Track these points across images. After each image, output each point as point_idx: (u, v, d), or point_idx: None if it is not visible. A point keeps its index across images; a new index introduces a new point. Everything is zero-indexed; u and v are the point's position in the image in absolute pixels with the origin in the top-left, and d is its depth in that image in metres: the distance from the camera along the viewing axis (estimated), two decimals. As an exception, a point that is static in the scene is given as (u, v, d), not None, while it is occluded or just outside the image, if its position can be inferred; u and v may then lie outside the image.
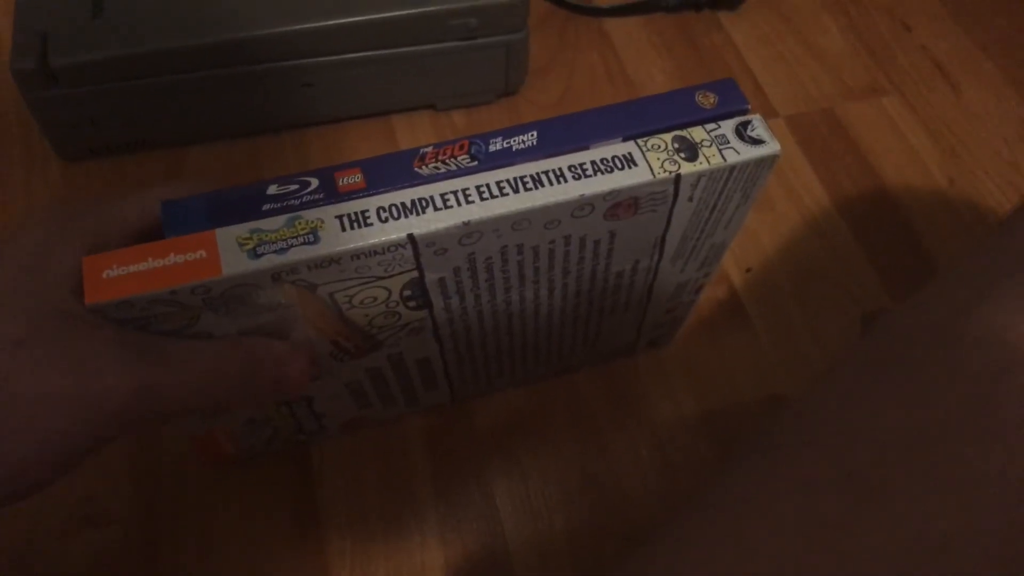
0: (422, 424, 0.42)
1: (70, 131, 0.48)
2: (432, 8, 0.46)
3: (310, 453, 0.41)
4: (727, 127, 0.31)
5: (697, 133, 0.31)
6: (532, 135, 0.30)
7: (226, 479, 0.40)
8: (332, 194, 0.29)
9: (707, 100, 0.32)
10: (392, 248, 0.28)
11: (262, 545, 0.38)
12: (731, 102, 0.32)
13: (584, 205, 0.30)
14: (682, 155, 0.30)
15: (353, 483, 0.40)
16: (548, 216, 0.29)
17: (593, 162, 0.30)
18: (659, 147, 0.30)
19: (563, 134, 0.31)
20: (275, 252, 0.27)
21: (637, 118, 0.31)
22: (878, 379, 0.25)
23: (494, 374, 0.41)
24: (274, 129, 0.52)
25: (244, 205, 0.28)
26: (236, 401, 0.30)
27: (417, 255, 0.29)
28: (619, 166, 0.30)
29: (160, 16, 0.45)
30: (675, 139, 0.31)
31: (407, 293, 0.31)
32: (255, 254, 0.27)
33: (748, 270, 0.48)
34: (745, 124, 0.31)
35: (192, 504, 0.40)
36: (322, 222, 0.27)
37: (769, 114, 0.54)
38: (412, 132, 0.52)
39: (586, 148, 0.30)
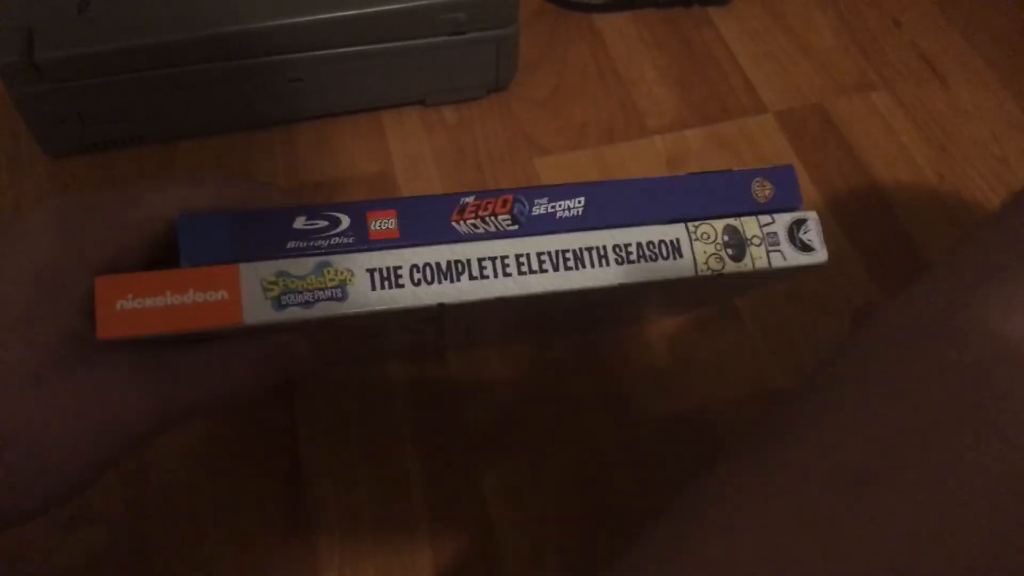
0: (413, 420, 0.42)
1: (56, 127, 0.48)
2: (421, 3, 0.46)
3: (300, 450, 0.41)
4: (781, 224, 0.30)
5: (750, 226, 0.30)
6: (580, 202, 0.29)
7: (216, 477, 0.40)
8: (363, 239, 0.27)
9: (763, 191, 0.31)
10: (420, 309, 0.27)
11: (252, 544, 0.38)
12: (786, 198, 0.31)
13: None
14: (729, 251, 0.29)
15: (343, 482, 0.40)
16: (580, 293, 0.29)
17: (639, 244, 0.29)
18: (708, 237, 0.29)
19: (610, 208, 0.29)
20: (300, 305, 0.26)
21: (689, 199, 0.30)
22: (868, 373, 0.25)
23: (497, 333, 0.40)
24: (264, 124, 0.51)
25: (268, 236, 0.26)
26: (246, 395, 0.29)
27: (442, 313, 0.28)
28: (664, 255, 0.29)
29: (147, 10, 0.45)
30: (726, 230, 0.30)
31: (421, 318, 0.30)
32: (279, 304, 0.25)
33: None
34: (800, 223, 0.30)
35: (181, 503, 0.39)
36: (352, 275, 0.26)
37: (759, 110, 0.54)
38: (401, 128, 0.52)
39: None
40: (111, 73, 0.45)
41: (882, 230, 0.49)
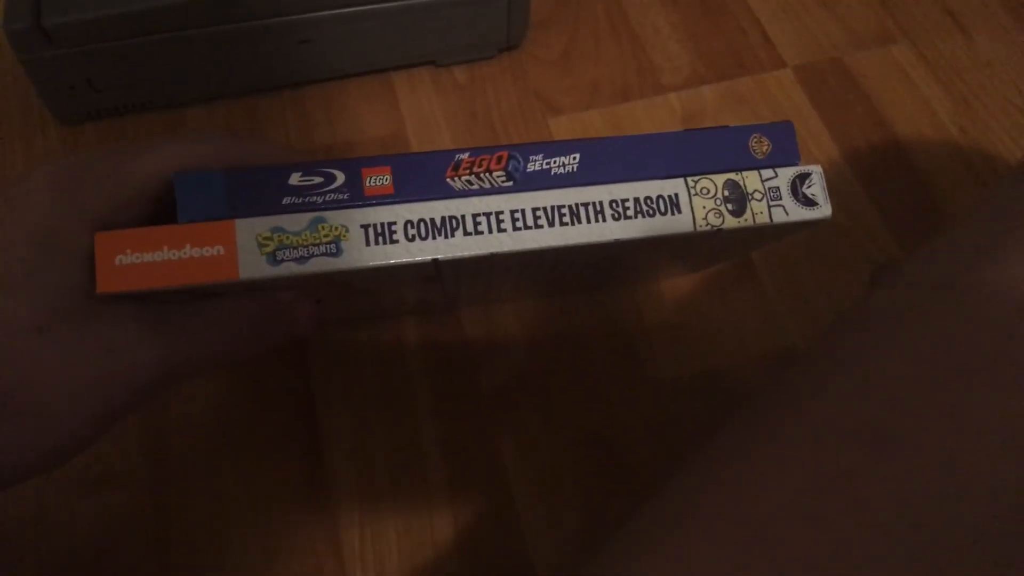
0: (428, 382, 0.42)
1: (67, 93, 0.47)
2: (431, -40, 0.45)
3: (318, 415, 0.41)
4: (784, 178, 0.29)
5: (752, 180, 0.29)
6: (574, 158, 0.29)
7: (236, 440, 0.40)
8: (358, 195, 0.27)
9: (761, 147, 0.30)
10: (415, 265, 0.27)
11: (273, 507, 0.39)
12: (785, 155, 0.30)
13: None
14: (729, 206, 0.29)
15: (361, 444, 0.40)
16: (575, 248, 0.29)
17: (636, 200, 0.28)
18: (708, 192, 0.29)
19: (606, 164, 0.29)
20: (295, 260, 0.26)
21: (685, 154, 0.30)
22: (889, 328, 0.24)
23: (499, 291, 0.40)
24: (273, 87, 0.51)
25: (264, 192, 0.27)
26: (247, 354, 0.30)
27: (437, 266, 0.28)
28: (662, 210, 0.28)
29: (153, -28, 0.44)
30: (727, 184, 0.29)
31: (420, 276, 0.30)
32: (274, 259, 0.26)
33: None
34: (804, 177, 0.30)
35: (201, 466, 0.40)
36: (346, 231, 0.26)
37: (777, 64, 0.53)
38: (412, 89, 0.51)
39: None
40: (119, 37, 0.45)
41: (902, 185, 0.49)
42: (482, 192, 0.28)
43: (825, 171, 0.49)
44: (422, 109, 0.51)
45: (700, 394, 0.42)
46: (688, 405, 0.41)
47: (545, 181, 0.28)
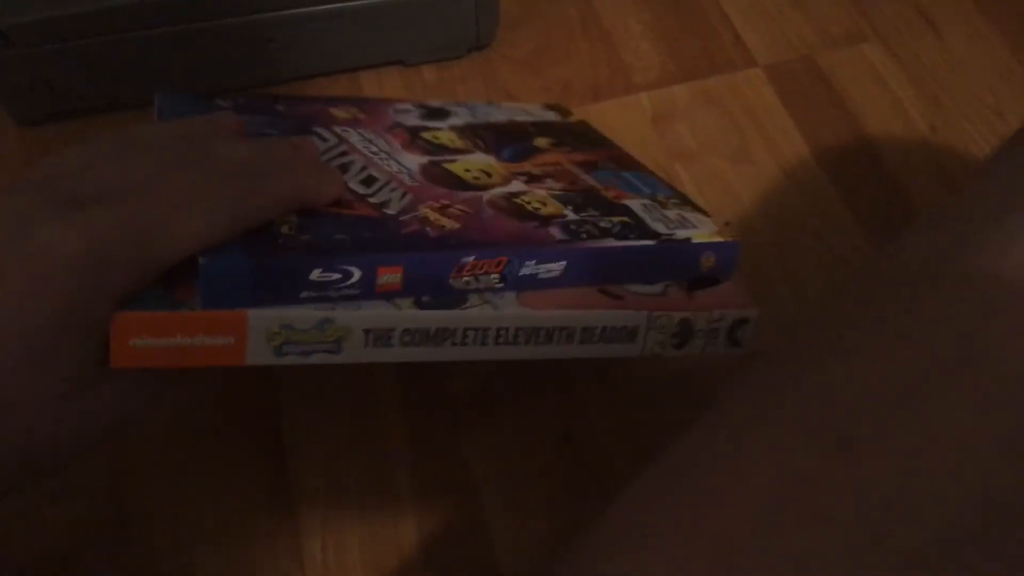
0: (396, 387, 0.41)
1: (25, 94, 0.46)
2: (396, -42, 0.45)
3: (283, 421, 0.40)
4: (725, 323, 0.34)
5: (700, 321, 0.34)
6: (561, 265, 0.32)
7: (199, 447, 0.39)
8: (369, 292, 0.29)
9: (708, 262, 0.35)
10: None
11: (235, 515, 0.38)
12: (723, 270, 0.36)
13: None
14: (675, 340, 0.33)
15: (326, 451, 0.39)
16: None
17: (604, 328, 0.32)
18: (663, 327, 0.33)
19: (585, 270, 0.33)
20: (298, 354, 0.28)
21: (658, 265, 0.35)
22: (853, 329, 0.24)
23: None
24: (240, 88, 0.50)
25: (284, 285, 0.28)
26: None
27: None
28: (621, 338, 0.33)
29: (112, -29, 0.43)
30: (681, 322, 0.33)
31: None
32: (280, 352, 0.27)
33: (726, 224, 0.47)
34: (742, 323, 0.34)
35: (162, 475, 0.39)
36: (349, 332, 0.28)
37: (748, 63, 0.53)
38: (381, 89, 0.51)
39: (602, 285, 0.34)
40: (78, 37, 0.44)
41: (874, 185, 0.48)
42: (475, 290, 0.31)
43: (795, 168, 0.49)
44: (390, 109, 0.50)
45: (670, 396, 0.41)
46: (657, 407, 0.41)
47: (531, 283, 0.32)
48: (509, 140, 0.41)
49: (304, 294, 0.28)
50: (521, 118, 0.45)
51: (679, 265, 0.34)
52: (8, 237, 0.25)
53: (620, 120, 0.50)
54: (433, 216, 0.32)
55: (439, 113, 0.43)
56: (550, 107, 0.47)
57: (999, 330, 0.21)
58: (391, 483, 0.39)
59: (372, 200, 0.32)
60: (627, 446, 0.40)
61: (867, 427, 0.21)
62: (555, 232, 0.33)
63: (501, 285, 0.31)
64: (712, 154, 0.49)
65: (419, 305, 0.30)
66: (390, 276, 0.29)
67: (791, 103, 0.51)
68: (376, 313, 0.28)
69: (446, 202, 0.34)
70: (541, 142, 0.42)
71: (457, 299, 0.30)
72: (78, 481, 0.39)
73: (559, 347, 0.31)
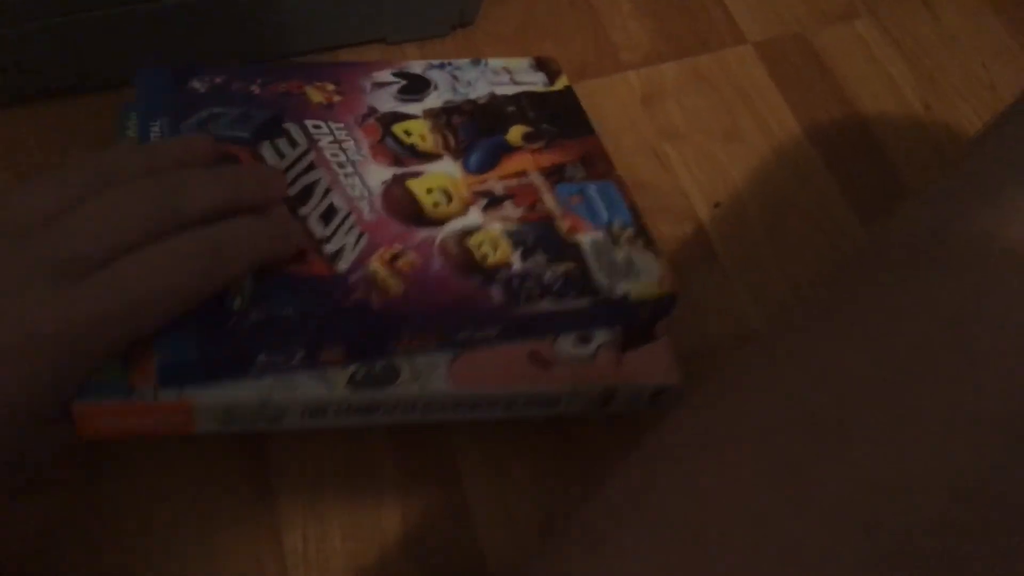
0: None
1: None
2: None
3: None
4: (647, 391, 0.35)
5: (624, 389, 0.35)
6: (496, 328, 0.34)
7: (175, 440, 0.38)
8: (312, 364, 0.32)
9: (644, 314, 0.36)
10: None
11: (213, 506, 0.37)
12: (663, 318, 0.37)
13: None
14: (598, 402, 0.35)
15: (306, 440, 0.38)
16: None
17: (529, 398, 0.34)
18: (587, 393, 0.34)
19: (522, 333, 0.35)
20: (242, 425, 0.32)
21: (593, 322, 0.35)
22: (843, 310, 0.23)
23: None
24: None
25: (235, 366, 0.31)
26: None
27: None
28: (545, 405, 0.35)
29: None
30: (605, 389, 0.34)
31: None
32: (226, 424, 0.31)
33: (716, 205, 0.46)
34: (661, 391, 0.35)
35: (139, 466, 0.38)
36: (287, 411, 0.31)
37: (738, 41, 0.52)
38: (363, 68, 0.49)
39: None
40: (45, 15, 0.42)
41: (867, 163, 0.48)
42: (412, 353, 0.33)
43: (787, 148, 0.48)
44: (372, 89, 0.49)
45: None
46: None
47: (466, 343, 0.34)
48: (481, 134, 0.40)
49: (251, 370, 0.31)
50: (503, 89, 0.43)
51: (614, 321, 0.35)
52: None
53: (608, 99, 0.49)
54: (381, 275, 0.34)
55: (418, 84, 0.41)
56: (540, 64, 0.46)
57: (991, 310, 0.20)
58: (374, 471, 0.38)
59: (328, 248, 0.34)
60: (614, 429, 0.39)
61: (852, 409, 0.20)
62: (495, 294, 0.34)
63: (436, 348, 0.33)
64: (702, 133, 0.48)
65: (352, 383, 0.32)
66: (332, 352, 0.32)
67: (782, 81, 0.50)
68: (312, 395, 0.31)
69: (399, 247, 0.35)
70: (515, 134, 0.41)
71: (389, 376, 0.32)
72: (51, 475, 0.38)
73: (485, 412, 0.34)
